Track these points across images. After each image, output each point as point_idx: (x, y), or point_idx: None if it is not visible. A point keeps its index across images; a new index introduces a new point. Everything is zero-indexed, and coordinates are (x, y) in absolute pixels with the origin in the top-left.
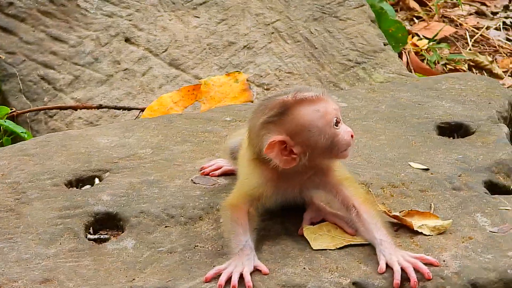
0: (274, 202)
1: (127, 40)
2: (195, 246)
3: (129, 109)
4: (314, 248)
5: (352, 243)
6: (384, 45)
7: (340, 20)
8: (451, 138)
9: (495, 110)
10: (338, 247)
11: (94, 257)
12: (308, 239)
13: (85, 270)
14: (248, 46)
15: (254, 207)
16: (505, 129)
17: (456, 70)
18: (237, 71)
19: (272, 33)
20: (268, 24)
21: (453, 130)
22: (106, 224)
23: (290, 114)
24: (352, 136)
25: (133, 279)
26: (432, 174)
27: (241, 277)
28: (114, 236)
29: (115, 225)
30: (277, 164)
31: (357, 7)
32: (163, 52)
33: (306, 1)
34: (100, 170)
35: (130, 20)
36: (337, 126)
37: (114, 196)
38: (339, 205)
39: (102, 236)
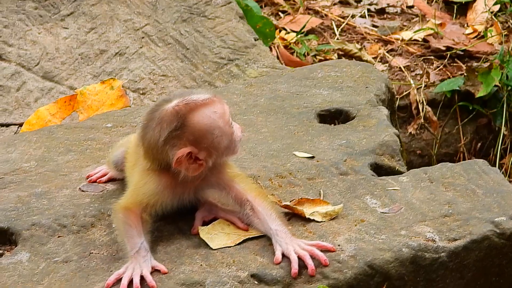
0: (171, 208)
1: None
2: (90, 253)
3: (7, 125)
4: (213, 248)
5: (249, 236)
6: (255, 40)
7: (209, 19)
8: (333, 125)
9: (373, 94)
10: (236, 243)
11: None
12: (205, 240)
13: None
14: (120, 53)
15: (147, 213)
16: (385, 111)
17: (326, 60)
18: (111, 78)
19: (143, 37)
20: (138, 29)
21: (334, 117)
22: None
23: (189, 123)
24: (241, 131)
25: None
26: (317, 161)
27: (142, 278)
28: (7, 251)
29: (7, 240)
30: (186, 173)
31: (225, 5)
32: (36, 65)
33: (173, 3)
34: None
35: None
36: (231, 124)
37: (4, 211)
38: (233, 202)
39: None
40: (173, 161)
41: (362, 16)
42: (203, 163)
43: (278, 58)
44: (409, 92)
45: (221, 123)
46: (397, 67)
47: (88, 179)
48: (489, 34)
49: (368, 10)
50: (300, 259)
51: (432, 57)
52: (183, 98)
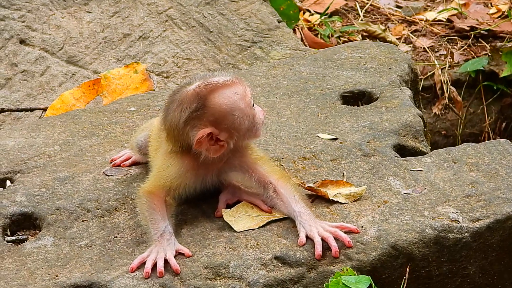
0: (194, 191)
1: (22, 41)
2: (114, 237)
3: (32, 110)
4: (237, 231)
5: (272, 219)
6: (279, 22)
7: (232, 1)
8: (356, 106)
9: (396, 75)
10: (260, 225)
11: (14, 258)
12: (229, 223)
13: (7, 272)
14: (143, 36)
15: (171, 196)
16: (408, 92)
17: (350, 41)
18: (135, 62)
19: (166, 21)
20: (161, 13)
21: (357, 98)
22: (23, 224)
23: (209, 104)
24: (263, 114)
25: (56, 276)
26: (341, 143)
27: (166, 262)
28: (32, 236)
29: (32, 225)
30: (207, 154)
31: None
32: (60, 50)
33: None
34: (10, 172)
35: (23, 22)
36: (253, 106)
37: (28, 196)
38: (256, 184)
39: (20, 237)
40: (194, 142)
41: None
42: (224, 144)
43: (302, 40)
44: (434, 73)
45: (242, 105)
46: (421, 47)
47: (112, 163)
48: None
49: None
50: (323, 241)
51: (456, 37)
52: (203, 80)
